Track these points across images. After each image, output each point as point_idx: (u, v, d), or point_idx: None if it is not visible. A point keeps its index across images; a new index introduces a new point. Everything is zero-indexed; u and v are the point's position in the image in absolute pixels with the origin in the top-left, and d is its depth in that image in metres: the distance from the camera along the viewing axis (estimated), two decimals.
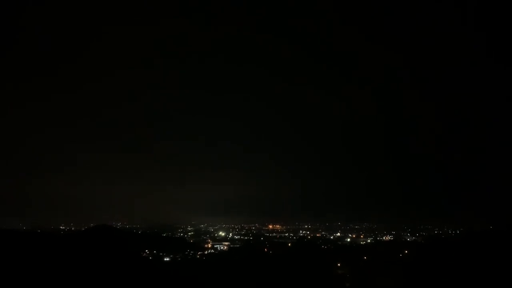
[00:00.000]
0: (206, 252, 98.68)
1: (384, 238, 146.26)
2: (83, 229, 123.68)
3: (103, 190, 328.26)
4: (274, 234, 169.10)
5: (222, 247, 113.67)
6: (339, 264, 66.87)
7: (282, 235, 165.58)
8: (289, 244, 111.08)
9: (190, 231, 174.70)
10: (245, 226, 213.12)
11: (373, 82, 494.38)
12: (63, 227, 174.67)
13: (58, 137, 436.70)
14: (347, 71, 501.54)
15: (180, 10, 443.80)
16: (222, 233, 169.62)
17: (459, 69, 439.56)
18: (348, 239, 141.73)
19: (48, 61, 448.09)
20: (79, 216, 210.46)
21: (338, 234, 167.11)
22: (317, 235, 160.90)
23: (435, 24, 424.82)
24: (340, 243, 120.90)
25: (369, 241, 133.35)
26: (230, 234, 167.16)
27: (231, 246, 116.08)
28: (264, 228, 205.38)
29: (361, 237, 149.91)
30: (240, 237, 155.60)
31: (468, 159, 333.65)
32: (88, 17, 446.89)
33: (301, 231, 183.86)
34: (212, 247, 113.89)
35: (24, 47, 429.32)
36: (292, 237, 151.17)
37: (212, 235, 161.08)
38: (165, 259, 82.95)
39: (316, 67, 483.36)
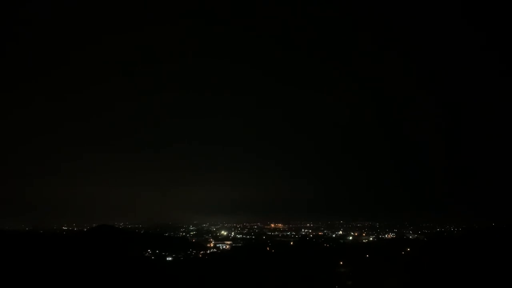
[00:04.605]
0: (208, 252, 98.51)
1: (386, 236, 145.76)
2: (86, 229, 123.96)
3: (104, 190, 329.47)
4: (276, 233, 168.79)
5: (224, 246, 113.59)
6: (341, 262, 66.78)
7: (284, 233, 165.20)
8: (291, 243, 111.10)
9: (192, 231, 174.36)
10: (247, 225, 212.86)
11: (373, 82, 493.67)
12: (66, 228, 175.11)
13: (59, 137, 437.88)
14: (347, 71, 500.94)
15: (179, 11, 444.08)
16: (224, 232, 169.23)
17: (459, 69, 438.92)
18: (350, 237, 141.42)
19: (48, 61, 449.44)
20: (81, 216, 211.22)
21: (340, 232, 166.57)
22: (319, 233, 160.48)
23: (435, 24, 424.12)
24: (342, 241, 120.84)
25: (371, 239, 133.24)
26: (232, 233, 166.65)
27: (233, 245, 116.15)
28: (266, 227, 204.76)
29: (363, 235, 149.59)
30: (242, 236, 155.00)
31: (468, 159, 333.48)
32: (88, 17, 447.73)
33: (303, 230, 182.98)
34: (215, 246, 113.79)
35: (24, 47, 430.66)
36: (294, 235, 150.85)
37: (214, 234, 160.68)
38: (167, 258, 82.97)
39: (316, 68, 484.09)
